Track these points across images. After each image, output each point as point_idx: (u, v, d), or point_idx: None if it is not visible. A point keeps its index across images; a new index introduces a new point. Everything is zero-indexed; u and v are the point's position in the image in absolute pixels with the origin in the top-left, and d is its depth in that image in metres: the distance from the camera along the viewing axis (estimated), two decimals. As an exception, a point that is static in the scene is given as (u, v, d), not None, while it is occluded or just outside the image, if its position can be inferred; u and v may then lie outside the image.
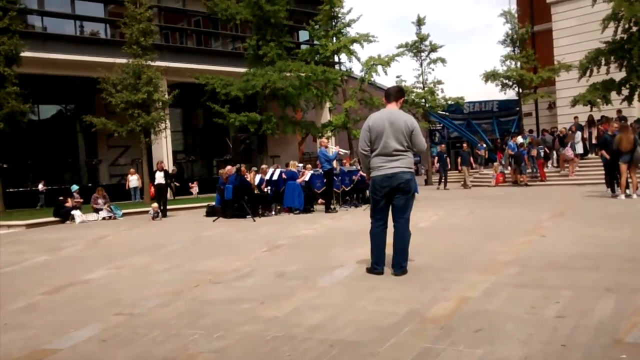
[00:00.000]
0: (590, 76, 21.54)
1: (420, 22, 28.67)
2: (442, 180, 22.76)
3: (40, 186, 23.45)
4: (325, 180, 14.33)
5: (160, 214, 15.18)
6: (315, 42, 27.75)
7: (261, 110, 24.08)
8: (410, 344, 3.34)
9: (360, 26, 70.28)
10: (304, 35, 31.57)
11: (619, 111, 21.50)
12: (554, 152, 22.60)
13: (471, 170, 24.25)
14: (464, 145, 24.56)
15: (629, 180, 12.81)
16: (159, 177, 15.87)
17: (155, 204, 15.87)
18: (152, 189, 15.97)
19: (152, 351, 3.56)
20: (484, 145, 27.75)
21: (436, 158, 23.78)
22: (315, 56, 26.57)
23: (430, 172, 29.40)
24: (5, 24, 18.92)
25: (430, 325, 3.71)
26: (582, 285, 4.57)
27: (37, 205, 22.84)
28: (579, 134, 21.69)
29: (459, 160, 23.00)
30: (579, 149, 21.32)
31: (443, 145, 25.53)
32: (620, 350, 3.07)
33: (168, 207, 16.78)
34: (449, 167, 23.79)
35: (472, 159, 24.03)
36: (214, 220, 13.34)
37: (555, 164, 22.32)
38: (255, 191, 14.50)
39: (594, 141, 22.17)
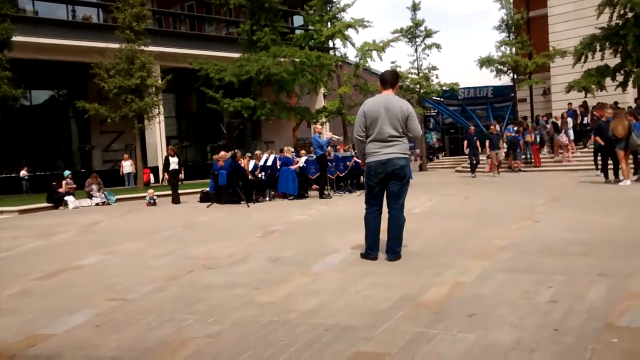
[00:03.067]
0: (585, 62, 21.52)
1: (415, 8, 28.50)
2: (473, 166, 20.20)
3: (23, 172, 22.63)
4: (319, 166, 14.32)
5: (155, 200, 15.12)
6: (310, 27, 27.61)
7: (255, 96, 24.00)
8: (404, 328, 3.36)
9: (355, 11, 70.16)
10: (298, 20, 31.41)
11: (599, 103, 21.44)
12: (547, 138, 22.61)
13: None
14: (492, 127, 21.77)
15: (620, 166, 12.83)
16: (174, 163, 15.40)
17: (151, 190, 15.83)
18: (166, 175, 15.61)
19: (146, 336, 3.56)
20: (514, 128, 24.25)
21: (465, 142, 20.60)
22: (309, 41, 26.45)
23: (424, 158, 29.42)
24: (-5, 8, 18.76)
25: (424, 310, 3.72)
26: (575, 270, 4.59)
27: (23, 191, 22.15)
28: (570, 120, 21.72)
29: (487, 143, 20.02)
30: (571, 135, 21.36)
31: (472, 128, 21.65)
32: (612, 334, 3.09)
33: (162, 193, 16.78)
34: (480, 150, 20.54)
35: (501, 143, 20.92)
36: (208, 206, 13.33)
37: (550, 150, 22.35)
38: (249, 177, 14.48)
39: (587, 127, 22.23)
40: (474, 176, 19.52)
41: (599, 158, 14.53)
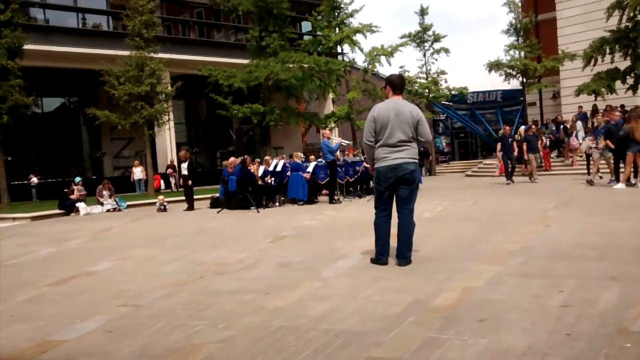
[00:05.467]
0: (594, 65, 21.43)
1: (423, 12, 28.58)
2: (508, 172, 17.59)
3: (33, 179, 22.65)
4: (329, 171, 14.32)
5: (166, 206, 15.17)
6: (318, 32, 27.67)
7: (264, 102, 24.07)
8: (415, 333, 3.35)
9: (363, 16, 70.27)
10: (306, 26, 31.49)
11: (608, 106, 21.31)
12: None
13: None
14: (532, 127, 19.27)
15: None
16: (183, 168, 15.19)
17: (161, 196, 15.89)
18: (181, 180, 15.56)
19: (157, 342, 3.57)
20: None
21: (498, 145, 18.18)
22: (318, 47, 26.50)
23: (434, 163, 29.34)
24: (7, 16, 18.92)
25: (435, 315, 3.71)
26: (586, 274, 4.56)
27: (32, 199, 22.18)
28: (579, 123, 21.62)
29: (525, 146, 17.45)
30: (581, 139, 21.23)
31: (508, 128, 19.25)
32: (625, 339, 3.07)
33: (172, 199, 16.85)
34: (516, 153, 18.16)
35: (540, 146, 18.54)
36: (218, 212, 13.36)
37: (559, 154, 22.23)
38: (259, 182, 14.51)
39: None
40: (510, 182, 17.16)
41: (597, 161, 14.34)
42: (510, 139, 18.07)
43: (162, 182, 25.29)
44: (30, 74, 19.88)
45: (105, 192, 16.69)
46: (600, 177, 14.80)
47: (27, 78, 19.26)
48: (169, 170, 24.91)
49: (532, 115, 30.07)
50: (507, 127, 19.43)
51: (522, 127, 22.47)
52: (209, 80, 23.51)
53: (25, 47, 19.46)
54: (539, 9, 29.76)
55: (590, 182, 13.63)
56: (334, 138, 16.04)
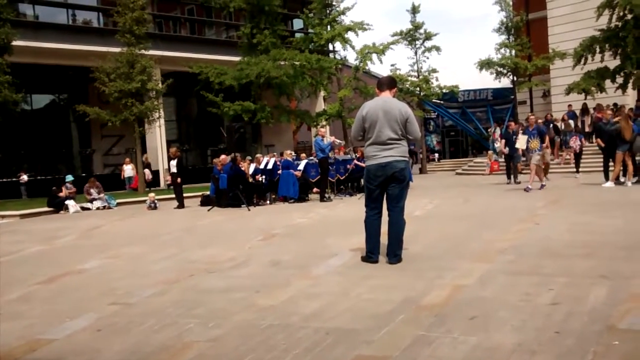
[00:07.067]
0: (584, 64, 21.54)
1: (415, 10, 28.59)
2: (512, 171, 16.54)
3: (24, 177, 22.36)
4: (319, 169, 14.33)
5: (156, 204, 15.11)
6: (310, 30, 27.61)
7: (255, 99, 24.00)
8: (405, 331, 3.36)
9: (355, 14, 70.33)
10: (298, 23, 31.42)
11: (598, 105, 21.43)
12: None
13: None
14: (540, 122, 16.94)
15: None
16: (172, 166, 15.05)
17: (152, 194, 15.83)
18: (170, 177, 15.38)
19: (147, 340, 3.56)
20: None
21: (502, 142, 16.84)
22: (309, 45, 26.44)
23: (424, 161, 29.40)
24: (-4, 12, 18.75)
25: (425, 313, 3.72)
26: (576, 272, 4.59)
27: (22, 197, 21.89)
28: (571, 122, 21.72)
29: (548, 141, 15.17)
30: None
31: (512, 123, 18.03)
32: (613, 336, 3.09)
33: (162, 197, 16.78)
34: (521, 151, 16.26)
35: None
36: (208, 210, 13.34)
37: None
38: (250, 180, 14.49)
39: (587, 129, 22.26)
40: (510, 182, 16.31)
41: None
42: (514, 136, 16.51)
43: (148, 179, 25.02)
44: (19, 70, 19.68)
45: (92, 190, 16.53)
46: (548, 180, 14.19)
47: (16, 74, 19.06)
48: (146, 171, 23.90)
49: (522, 114, 30.15)
50: (512, 123, 18.34)
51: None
52: (199, 78, 23.41)
53: (14, 43, 19.27)
54: (530, 8, 29.88)
55: (526, 189, 12.71)
56: (327, 137, 15.96)
